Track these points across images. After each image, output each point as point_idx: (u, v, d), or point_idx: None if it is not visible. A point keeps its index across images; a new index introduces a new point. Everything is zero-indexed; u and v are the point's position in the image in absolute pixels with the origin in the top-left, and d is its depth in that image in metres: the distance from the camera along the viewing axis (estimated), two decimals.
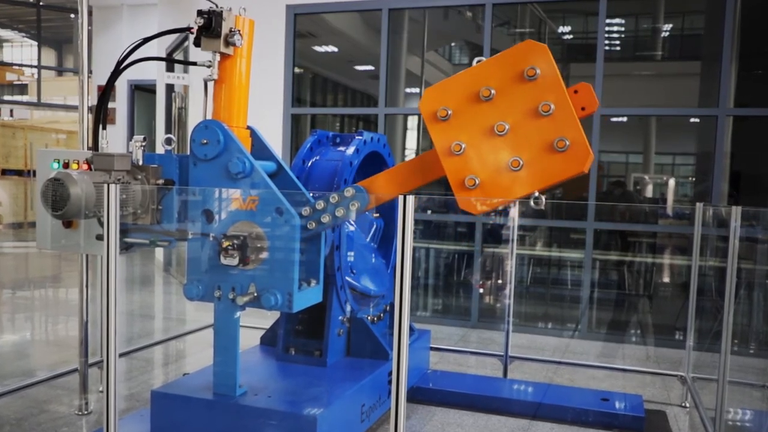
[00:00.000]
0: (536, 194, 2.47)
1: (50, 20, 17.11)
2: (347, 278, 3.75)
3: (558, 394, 4.34)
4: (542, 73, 2.46)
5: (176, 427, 3.09)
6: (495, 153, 2.48)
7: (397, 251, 2.18)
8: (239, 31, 2.92)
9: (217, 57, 2.95)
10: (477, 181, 2.48)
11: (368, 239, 4.21)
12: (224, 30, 2.88)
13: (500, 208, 2.75)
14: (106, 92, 3.14)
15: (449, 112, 2.53)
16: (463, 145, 2.51)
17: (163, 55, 8.85)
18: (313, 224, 2.88)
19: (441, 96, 2.56)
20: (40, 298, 7.81)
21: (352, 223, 4.07)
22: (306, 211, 2.88)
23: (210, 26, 2.86)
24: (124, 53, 3.09)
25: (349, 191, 2.87)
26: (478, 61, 2.56)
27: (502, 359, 4.84)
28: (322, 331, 3.62)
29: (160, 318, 7.01)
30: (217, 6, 2.90)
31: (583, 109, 2.56)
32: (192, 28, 2.90)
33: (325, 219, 2.87)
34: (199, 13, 2.86)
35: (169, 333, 6.13)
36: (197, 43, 2.93)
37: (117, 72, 3.10)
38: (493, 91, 2.49)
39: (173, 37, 8.24)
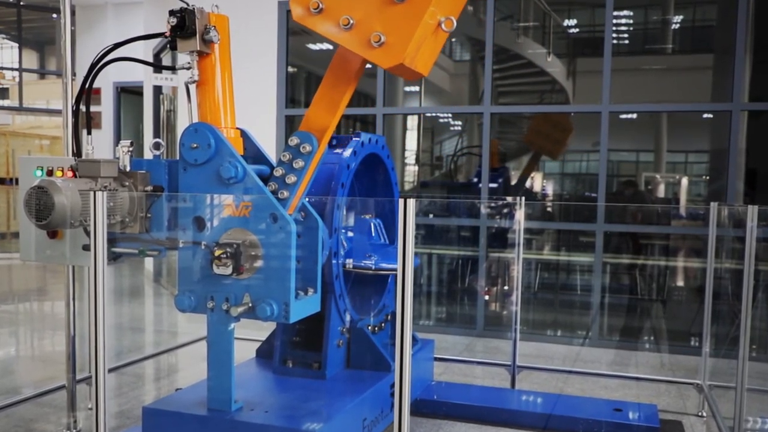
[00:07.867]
0: (443, 19, 2.52)
1: (31, 21, 16.93)
2: (365, 262, 3.71)
3: (569, 404, 4.30)
4: None
5: None
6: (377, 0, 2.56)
7: (398, 256, 2.11)
8: (215, 27, 2.87)
9: (196, 57, 2.90)
10: (382, 37, 2.53)
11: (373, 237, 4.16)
12: (199, 27, 2.83)
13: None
14: (80, 96, 3.08)
15: (320, 4, 2.60)
16: (350, 17, 2.56)
17: (150, 56, 8.74)
18: (285, 193, 2.83)
19: None
20: (25, 312, 7.75)
21: (352, 228, 4.00)
22: (272, 186, 2.84)
23: (184, 25, 2.81)
24: (97, 57, 3.03)
25: (293, 140, 2.86)
26: None
27: (509, 369, 4.77)
28: (320, 343, 3.55)
29: (150, 331, 6.95)
30: (188, 4, 2.85)
31: None
32: (166, 32, 2.85)
33: (291, 179, 2.84)
34: (171, 12, 2.81)
35: (160, 346, 6.06)
36: (173, 46, 2.87)
37: (90, 76, 3.03)
38: None
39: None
